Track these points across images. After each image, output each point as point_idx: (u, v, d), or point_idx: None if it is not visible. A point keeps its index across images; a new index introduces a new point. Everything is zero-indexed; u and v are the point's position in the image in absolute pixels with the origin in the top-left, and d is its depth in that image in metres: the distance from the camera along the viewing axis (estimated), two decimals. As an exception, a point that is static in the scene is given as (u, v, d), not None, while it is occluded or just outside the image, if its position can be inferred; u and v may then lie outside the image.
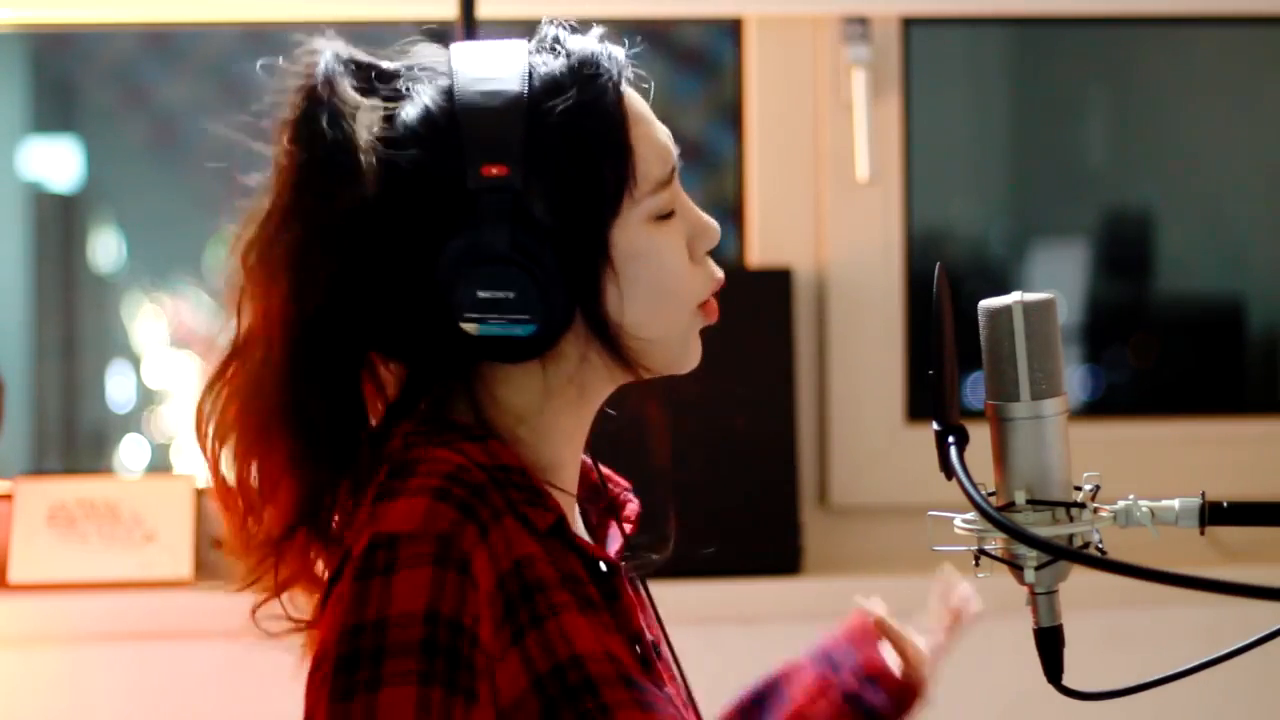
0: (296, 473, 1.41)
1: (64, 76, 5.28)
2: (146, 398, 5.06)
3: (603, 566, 1.42)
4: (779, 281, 2.79)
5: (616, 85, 1.41)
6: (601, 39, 1.44)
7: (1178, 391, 3.34)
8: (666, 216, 1.42)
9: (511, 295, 1.36)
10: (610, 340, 1.40)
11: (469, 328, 1.37)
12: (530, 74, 1.40)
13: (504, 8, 2.64)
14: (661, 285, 1.41)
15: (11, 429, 2.83)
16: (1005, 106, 3.49)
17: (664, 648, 1.52)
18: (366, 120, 1.38)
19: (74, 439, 5.10)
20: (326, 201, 1.38)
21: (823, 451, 2.88)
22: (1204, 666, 1.38)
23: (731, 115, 2.98)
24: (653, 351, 1.42)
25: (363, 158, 1.37)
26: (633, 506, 1.54)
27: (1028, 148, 3.47)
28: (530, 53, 1.42)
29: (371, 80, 1.42)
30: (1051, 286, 1.79)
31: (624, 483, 1.56)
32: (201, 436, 1.44)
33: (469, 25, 2.47)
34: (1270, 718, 2.79)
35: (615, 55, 1.42)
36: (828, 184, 2.89)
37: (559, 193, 1.38)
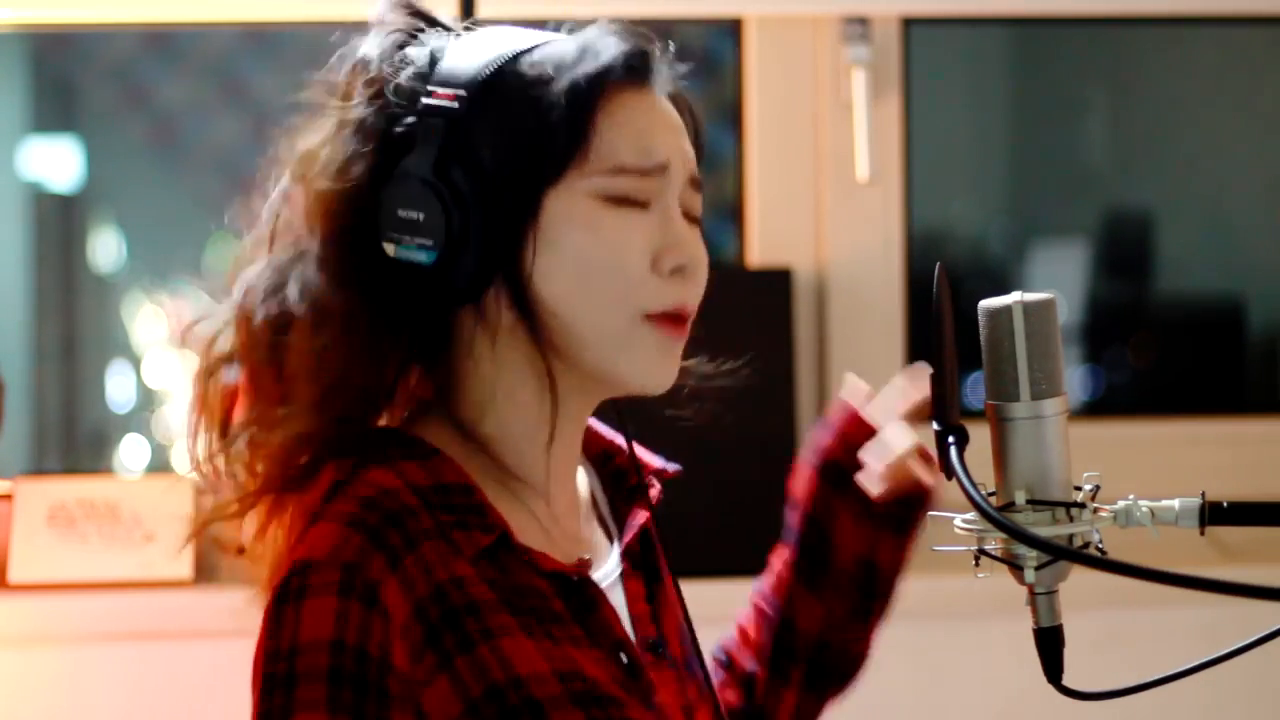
0: (316, 404, 1.39)
1: (64, 76, 5.28)
2: (146, 398, 5.06)
3: (573, 578, 1.40)
4: (779, 281, 2.79)
5: (606, 71, 1.40)
6: (628, 37, 1.43)
7: (1178, 391, 3.34)
8: (627, 204, 1.39)
9: (421, 216, 1.37)
10: (519, 300, 1.38)
11: (387, 248, 1.39)
12: (538, 45, 1.41)
13: (504, 8, 2.64)
14: (590, 260, 1.38)
15: (11, 429, 2.83)
16: (1005, 106, 3.49)
17: (674, 644, 1.50)
18: (395, 49, 1.43)
19: (74, 439, 5.10)
20: (339, 106, 1.42)
21: (823, 451, 2.88)
22: (1204, 666, 1.38)
23: (731, 115, 2.98)
24: (574, 340, 1.39)
25: (377, 75, 1.42)
26: (655, 491, 1.52)
27: (1028, 148, 3.47)
28: (558, 38, 1.43)
29: (419, 28, 1.45)
30: (1051, 286, 1.79)
31: (654, 465, 1.53)
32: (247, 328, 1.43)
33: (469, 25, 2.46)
34: (1270, 718, 2.79)
35: (624, 49, 1.41)
36: (828, 184, 2.89)
37: (499, 137, 1.38)
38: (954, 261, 3.28)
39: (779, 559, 1.67)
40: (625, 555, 1.49)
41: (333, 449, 1.40)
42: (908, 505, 1.57)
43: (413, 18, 1.46)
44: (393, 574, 1.32)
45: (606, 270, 1.38)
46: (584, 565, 1.43)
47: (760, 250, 2.88)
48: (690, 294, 1.42)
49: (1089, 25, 3.18)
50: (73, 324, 5.16)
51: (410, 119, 1.39)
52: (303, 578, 1.32)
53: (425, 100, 1.39)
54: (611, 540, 1.51)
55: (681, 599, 1.54)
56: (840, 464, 1.58)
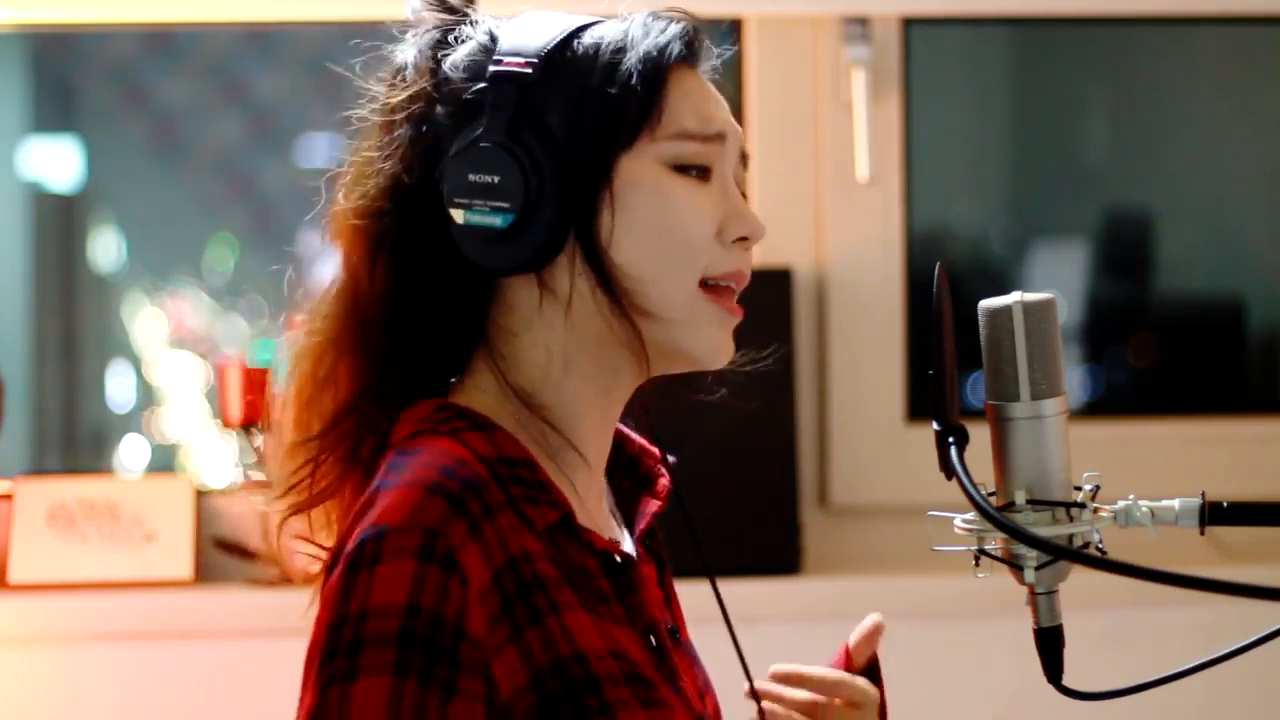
0: (356, 352, 1.42)
1: (64, 76, 5.29)
2: (146, 398, 5.07)
3: (617, 559, 1.41)
4: (779, 281, 2.79)
5: (672, 49, 1.42)
6: (687, 25, 1.45)
7: (1178, 391, 3.34)
8: (694, 173, 1.41)
9: (495, 180, 1.37)
10: (598, 267, 1.39)
11: (455, 214, 1.39)
12: (598, 21, 1.43)
13: (504, 8, 2.64)
14: (662, 226, 1.40)
15: (11, 429, 2.83)
16: (1005, 106, 3.49)
17: (683, 633, 1.52)
18: (438, 41, 1.44)
19: (74, 439, 5.11)
20: (388, 107, 1.43)
21: (823, 451, 2.88)
22: (1204, 666, 1.38)
23: (732, 115, 2.98)
24: (650, 301, 1.40)
25: (423, 67, 1.43)
26: (663, 481, 1.53)
27: (1028, 148, 3.47)
28: (609, 19, 1.45)
29: (459, 20, 1.46)
30: (1051, 286, 1.80)
31: (657, 453, 1.54)
32: (297, 343, 1.45)
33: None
34: (1270, 718, 2.79)
35: (683, 28, 1.44)
36: (828, 184, 2.89)
37: (574, 104, 1.39)
38: (954, 261, 3.27)
39: None
40: (638, 542, 1.50)
41: (372, 416, 1.42)
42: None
43: (446, 12, 1.47)
44: (473, 541, 1.32)
45: (676, 236, 1.40)
46: (616, 546, 1.44)
47: (760, 250, 2.87)
48: (748, 264, 1.45)
49: (1089, 25, 3.18)
50: (73, 324, 5.17)
51: (478, 86, 1.40)
52: (377, 544, 1.31)
53: (494, 68, 1.40)
54: (621, 529, 1.51)
55: (719, 597, 1.55)
56: None
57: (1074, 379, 3.31)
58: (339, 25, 2.64)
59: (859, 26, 2.86)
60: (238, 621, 2.66)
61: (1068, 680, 1.39)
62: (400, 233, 1.41)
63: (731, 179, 1.44)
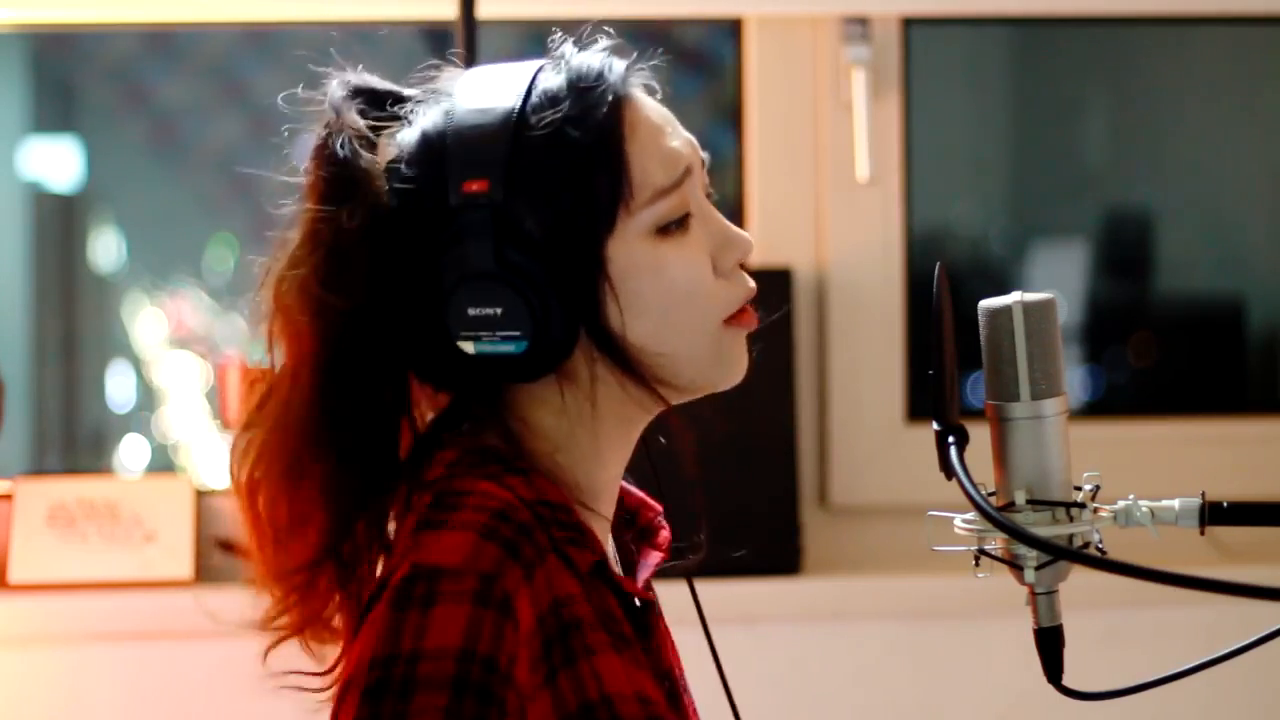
0: (326, 499, 1.39)
1: (64, 76, 5.28)
2: (146, 398, 5.07)
3: (637, 603, 1.41)
4: (779, 281, 2.79)
5: (614, 96, 1.39)
6: (607, 50, 1.42)
7: (1178, 391, 3.34)
8: (676, 227, 1.40)
9: (499, 311, 1.36)
10: (618, 356, 1.38)
11: (465, 346, 1.37)
12: (529, 91, 1.39)
13: (504, 8, 2.64)
14: (669, 300, 1.39)
15: (11, 429, 2.83)
16: (1005, 106, 3.49)
17: (684, 681, 1.52)
18: (373, 144, 1.39)
19: (74, 439, 5.10)
20: (334, 223, 1.38)
21: (823, 451, 2.88)
22: (1204, 666, 1.38)
23: (731, 115, 2.98)
24: (674, 368, 1.40)
25: (370, 176, 1.38)
26: (665, 534, 1.53)
27: (1028, 148, 3.47)
28: (539, 70, 1.41)
29: (385, 106, 1.42)
30: (1051, 286, 1.79)
31: (658, 507, 1.55)
32: (235, 472, 1.42)
33: (469, 25, 2.46)
34: (1270, 718, 2.79)
35: (616, 66, 1.41)
36: (828, 184, 2.89)
37: (546, 207, 1.36)
38: (954, 261, 3.27)
39: None
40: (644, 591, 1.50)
41: (351, 531, 1.40)
42: None
43: (365, 98, 1.43)
44: (527, 586, 1.31)
45: (684, 300, 1.39)
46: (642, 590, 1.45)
47: (760, 250, 2.88)
48: (749, 280, 1.45)
49: (1089, 25, 3.18)
50: (73, 324, 5.16)
51: (443, 216, 1.36)
52: (431, 584, 1.29)
53: (455, 195, 1.36)
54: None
55: (701, 613, 1.55)
56: None
57: (1074, 379, 3.31)
58: (340, 26, 2.65)
59: (859, 26, 2.86)
60: (237, 622, 2.65)
61: (1068, 680, 1.39)
62: (363, 354, 1.38)
63: (707, 207, 1.43)
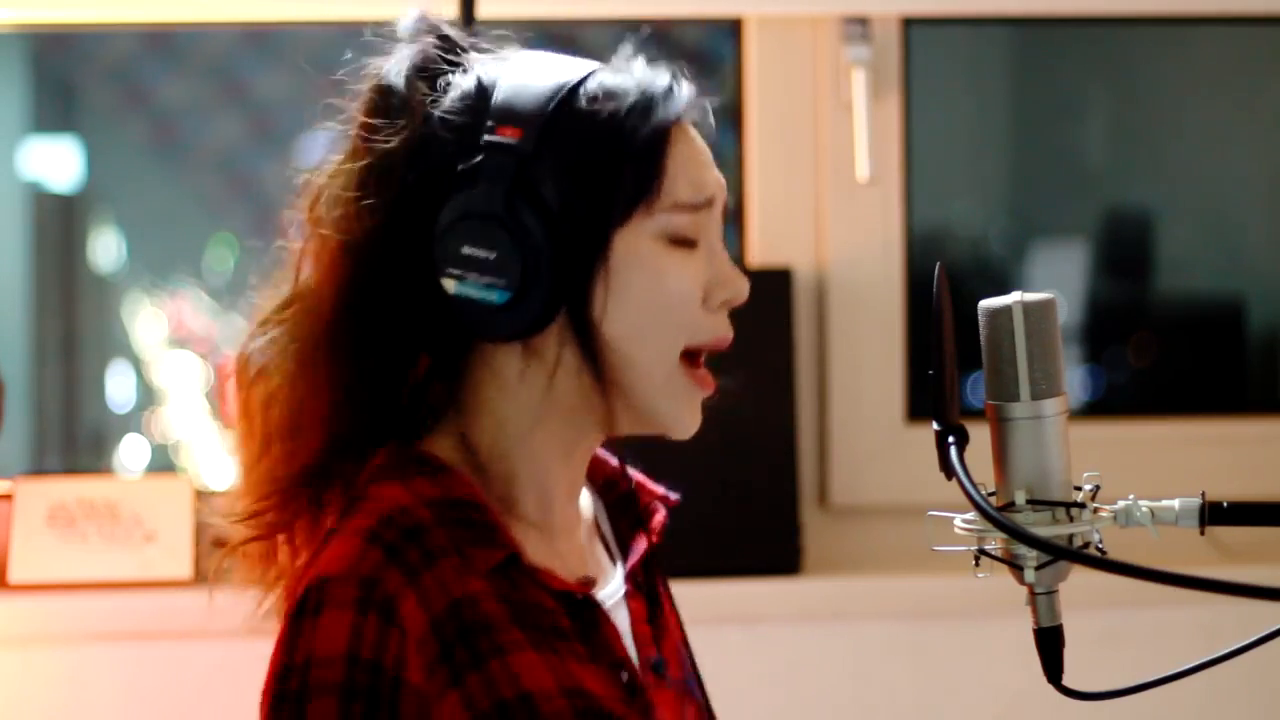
0: (327, 416, 1.40)
1: (64, 76, 5.28)
2: (146, 398, 5.07)
3: (578, 597, 1.41)
4: (779, 281, 2.79)
5: (675, 111, 1.41)
6: (675, 75, 1.44)
7: (1178, 391, 3.34)
8: (685, 245, 1.41)
9: (491, 255, 1.36)
10: (586, 342, 1.39)
11: (447, 284, 1.38)
12: (589, 76, 1.41)
13: (504, 8, 2.64)
14: (654, 303, 1.40)
15: (11, 429, 2.83)
16: (1005, 106, 3.49)
17: (674, 666, 1.50)
18: (429, 76, 1.42)
19: (74, 439, 5.10)
20: (373, 143, 1.40)
21: (823, 451, 2.88)
22: (1204, 666, 1.38)
23: (731, 115, 2.98)
24: (631, 379, 1.40)
25: (412, 106, 1.40)
26: (659, 518, 1.53)
27: (1028, 148, 3.47)
28: (601, 67, 1.43)
29: (451, 50, 1.44)
30: (1051, 286, 1.79)
31: (658, 491, 1.55)
32: (245, 366, 1.43)
33: (469, 25, 2.46)
34: (1270, 718, 2.79)
35: (686, 89, 1.43)
36: (828, 184, 2.89)
37: (571, 177, 1.38)
38: (954, 261, 3.27)
39: None
40: (629, 578, 1.50)
41: (340, 466, 1.41)
42: None
43: (434, 37, 1.45)
44: (410, 589, 1.33)
45: (666, 311, 1.40)
46: (588, 584, 1.44)
47: (760, 250, 2.88)
48: (729, 328, 1.45)
49: (1089, 25, 3.17)
50: (73, 324, 5.16)
51: (470, 154, 1.38)
52: (320, 593, 1.33)
53: (488, 136, 1.38)
54: (614, 562, 1.52)
55: (681, 625, 1.54)
56: None
57: (1074, 379, 3.31)
58: (340, 26, 2.65)
59: (859, 26, 2.86)
60: (237, 621, 2.65)
61: (1068, 680, 1.39)
62: (384, 276, 1.40)
63: (718, 241, 1.44)
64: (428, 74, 1.42)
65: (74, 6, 2.84)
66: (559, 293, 1.38)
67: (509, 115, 1.38)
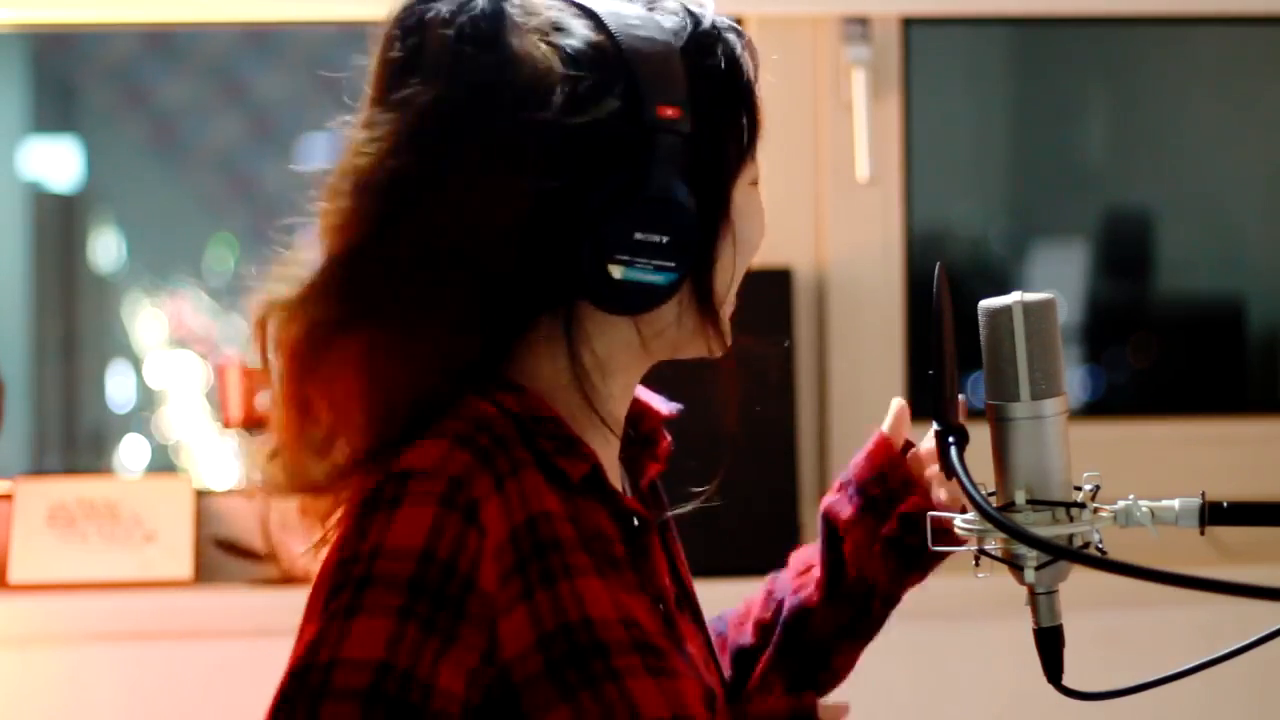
0: (411, 371, 1.34)
1: (64, 76, 5.29)
2: (146, 398, 5.07)
3: (635, 522, 1.40)
4: (779, 281, 2.79)
5: (747, 48, 1.43)
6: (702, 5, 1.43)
7: (1178, 391, 3.34)
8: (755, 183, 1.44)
9: (665, 240, 1.34)
10: (708, 303, 1.39)
11: (615, 269, 1.34)
12: (684, 19, 1.39)
13: (504, 8, 2.64)
14: (752, 246, 1.43)
15: (11, 429, 2.83)
16: (1005, 106, 3.49)
17: (694, 597, 1.52)
18: (539, 36, 1.35)
19: (74, 439, 5.11)
20: (505, 113, 1.33)
21: (823, 451, 2.88)
22: (1204, 666, 1.38)
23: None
24: (721, 318, 1.42)
25: (544, 72, 1.33)
26: (665, 443, 1.52)
27: (1028, 148, 3.47)
28: (651, 9, 1.40)
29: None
30: (1051, 286, 1.79)
31: (664, 411, 1.52)
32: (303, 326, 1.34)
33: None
34: (1270, 718, 2.79)
35: (737, 26, 1.44)
36: (828, 184, 2.89)
37: (715, 148, 1.39)
38: (954, 261, 3.28)
39: (802, 564, 1.68)
40: (644, 505, 1.49)
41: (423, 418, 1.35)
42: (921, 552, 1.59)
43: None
44: (497, 495, 1.31)
45: (752, 251, 1.44)
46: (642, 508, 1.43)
47: (760, 250, 2.88)
48: None
49: (1089, 25, 3.18)
50: (73, 324, 5.17)
51: (628, 131, 1.34)
52: (400, 486, 1.29)
53: (649, 116, 1.34)
54: (624, 490, 1.51)
55: (684, 551, 1.54)
56: (869, 489, 1.61)
57: (1074, 379, 3.31)
58: (340, 26, 2.65)
59: (859, 26, 2.86)
60: (238, 621, 2.66)
61: (1068, 680, 1.39)
62: (510, 255, 1.34)
63: None
64: (526, 19, 1.35)
65: (74, 6, 2.84)
66: (702, 260, 1.38)
67: (662, 89, 1.35)
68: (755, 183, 1.44)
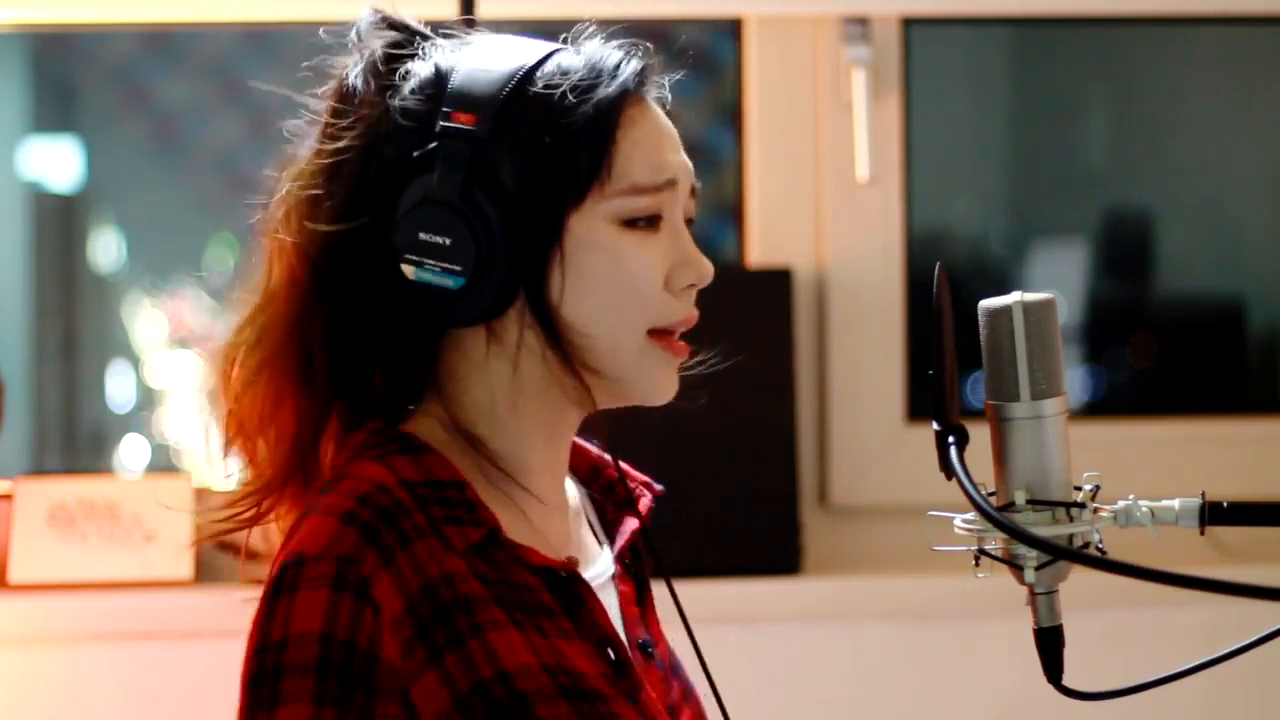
0: (303, 412, 1.43)
1: (64, 76, 5.28)
2: (146, 398, 5.06)
3: (561, 573, 1.41)
4: (779, 281, 2.79)
5: (622, 87, 1.41)
6: (630, 52, 1.44)
7: (1178, 391, 3.34)
8: (644, 226, 1.41)
9: (447, 241, 1.37)
10: (545, 324, 1.39)
11: (406, 269, 1.39)
12: (545, 59, 1.41)
13: (504, 7, 2.64)
14: (612, 286, 1.40)
15: (11, 429, 2.83)
16: (1005, 106, 3.49)
17: (661, 647, 1.51)
18: (384, 72, 1.43)
19: (74, 439, 5.10)
20: (334, 141, 1.42)
21: (823, 451, 2.88)
22: (1204, 666, 1.38)
23: (731, 115, 2.98)
24: (597, 356, 1.41)
25: (368, 102, 1.42)
26: (645, 502, 1.53)
27: (1028, 148, 3.46)
28: (559, 49, 1.43)
29: (408, 41, 1.45)
30: (1051, 286, 1.79)
31: (642, 478, 1.55)
32: (225, 371, 1.46)
33: (470, 26, 2.46)
34: (1270, 718, 2.79)
35: (634, 64, 1.43)
36: (828, 184, 2.89)
37: (523, 161, 1.38)
38: (954, 261, 3.27)
39: None
40: (618, 560, 1.51)
41: (315, 456, 1.44)
42: None
43: (392, 31, 1.46)
44: (385, 570, 1.34)
45: (627, 293, 1.41)
46: (572, 563, 1.44)
47: (760, 250, 2.88)
48: (693, 309, 1.45)
49: (1089, 25, 3.17)
50: (73, 324, 5.16)
51: (427, 141, 1.39)
52: (297, 571, 1.34)
53: (443, 123, 1.39)
54: (602, 546, 1.52)
55: (679, 606, 1.54)
56: None
57: (1074, 379, 3.31)
58: (341, 25, 2.65)
59: (859, 26, 2.86)
60: (238, 621, 2.65)
61: (1068, 680, 1.39)
62: (347, 268, 1.41)
63: (681, 223, 1.44)
64: (388, 67, 1.43)
65: (74, 6, 2.84)
66: (515, 277, 1.39)
67: (464, 101, 1.39)
68: (642, 226, 1.41)
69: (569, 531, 1.49)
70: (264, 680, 1.33)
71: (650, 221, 1.42)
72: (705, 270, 1.44)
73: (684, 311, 1.44)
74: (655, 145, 1.42)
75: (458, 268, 1.38)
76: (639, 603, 1.51)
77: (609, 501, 1.55)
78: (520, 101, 1.39)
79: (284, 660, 1.32)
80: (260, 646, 1.34)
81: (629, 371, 1.42)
